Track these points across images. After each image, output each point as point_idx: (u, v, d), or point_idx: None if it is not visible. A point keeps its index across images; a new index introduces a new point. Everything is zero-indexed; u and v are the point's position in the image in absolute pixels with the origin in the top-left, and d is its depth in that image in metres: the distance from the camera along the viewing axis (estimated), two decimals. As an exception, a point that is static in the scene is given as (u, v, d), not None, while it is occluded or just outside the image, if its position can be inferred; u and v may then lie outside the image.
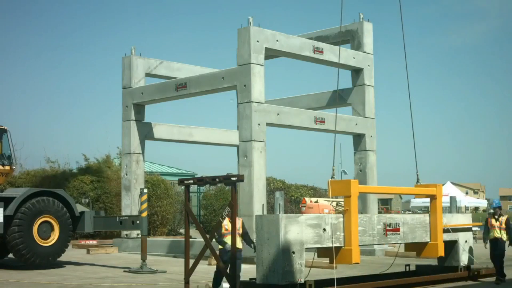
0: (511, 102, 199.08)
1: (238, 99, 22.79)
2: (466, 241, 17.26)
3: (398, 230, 15.16)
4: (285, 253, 12.63)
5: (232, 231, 12.59)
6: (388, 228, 14.91)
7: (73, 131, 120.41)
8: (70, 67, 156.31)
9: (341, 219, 13.83)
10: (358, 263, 13.97)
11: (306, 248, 13.14)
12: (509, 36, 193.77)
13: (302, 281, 12.75)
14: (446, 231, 16.12)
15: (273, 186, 39.67)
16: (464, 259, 16.82)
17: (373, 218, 14.91)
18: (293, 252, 12.80)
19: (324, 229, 13.50)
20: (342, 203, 41.49)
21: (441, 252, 15.98)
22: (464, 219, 17.67)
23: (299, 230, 13.00)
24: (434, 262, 17.66)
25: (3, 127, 19.72)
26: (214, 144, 30.73)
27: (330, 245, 13.53)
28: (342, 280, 14.56)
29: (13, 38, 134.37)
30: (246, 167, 22.17)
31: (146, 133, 27.07)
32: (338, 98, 27.48)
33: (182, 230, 34.32)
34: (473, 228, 37.76)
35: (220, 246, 13.76)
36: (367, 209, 25.91)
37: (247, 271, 18.14)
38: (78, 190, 31.26)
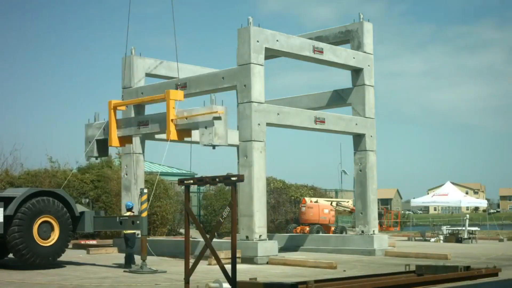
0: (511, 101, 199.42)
1: (238, 99, 22.79)
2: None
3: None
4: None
5: (232, 229, 12.55)
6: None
7: (73, 131, 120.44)
8: (70, 67, 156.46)
9: None
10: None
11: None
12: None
13: None
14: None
15: (273, 186, 39.66)
16: None
17: None
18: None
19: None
20: (342, 203, 41.53)
21: (174, 137, 22.03)
22: None
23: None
24: (434, 263, 17.65)
25: None
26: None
27: None
28: (341, 280, 14.58)
29: (14, 38, 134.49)
30: (246, 167, 22.17)
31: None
32: (338, 98, 27.52)
33: (182, 230, 34.32)
34: (474, 229, 37.96)
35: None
36: (367, 208, 25.93)
37: (247, 271, 18.16)
38: (78, 190, 31.25)
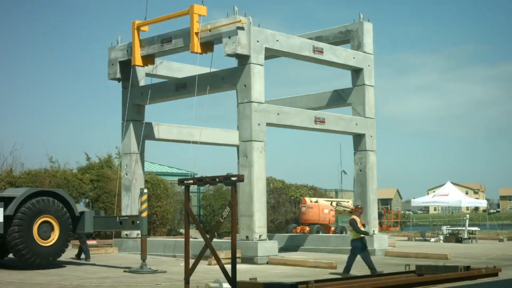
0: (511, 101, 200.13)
1: (238, 99, 22.79)
2: None
3: None
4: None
5: (232, 229, 12.55)
6: None
7: (73, 131, 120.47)
8: (71, 66, 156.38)
9: None
10: None
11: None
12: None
13: None
14: None
15: (273, 186, 39.65)
16: None
17: None
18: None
19: None
20: (342, 203, 41.54)
21: (198, 49, 22.56)
22: None
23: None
24: (434, 263, 17.64)
25: None
26: (214, 144, 30.69)
27: None
28: (342, 280, 14.58)
29: (15, 37, 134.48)
30: (246, 167, 22.16)
31: (146, 133, 27.04)
32: (338, 98, 27.52)
33: (182, 230, 34.32)
34: (474, 229, 38.00)
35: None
36: (367, 208, 25.92)
37: (247, 271, 18.15)
38: (78, 190, 31.24)
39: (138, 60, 24.86)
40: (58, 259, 19.38)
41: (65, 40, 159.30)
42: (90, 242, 28.10)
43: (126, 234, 25.95)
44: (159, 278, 17.03)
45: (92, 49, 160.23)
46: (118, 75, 26.00)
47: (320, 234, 32.34)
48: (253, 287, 13.09)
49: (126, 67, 25.96)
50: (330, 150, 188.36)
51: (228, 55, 22.17)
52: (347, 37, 26.99)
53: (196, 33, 22.58)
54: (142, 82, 27.24)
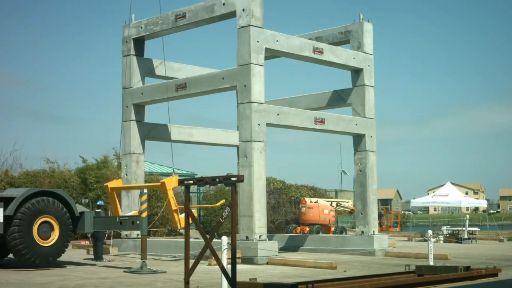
0: (511, 102, 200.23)
1: (238, 100, 22.79)
2: None
3: None
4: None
5: (232, 229, 12.54)
6: None
7: (73, 131, 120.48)
8: (71, 66, 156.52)
9: None
10: None
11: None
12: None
13: None
14: None
15: (273, 186, 39.65)
16: None
17: None
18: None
19: None
20: (342, 203, 41.40)
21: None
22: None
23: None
24: (434, 263, 17.65)
25: None
26: (214, 144, 30.69)
27: None
28: (342, 280, 14.59)
29: (15, 37, 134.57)
30: (246, 167, 22.16)
31: (146, 133, 27.04)
32: (338, 98, 27.52)
33: (182, 231, 34.29)
34: (474, 229, 37.98)
35: None
36: (367, 209, 25.93)
37: (247, 272, 18.16)
38: (78, 190, 31.24)
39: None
40: (58, 259, 19.38)
41: (66, 40, 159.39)
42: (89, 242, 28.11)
43: (126, 234, 25.95)
44: (159, 278, 17.02)
45: (93, 49, 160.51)
46: (132, 52, 26.59)
47: (320, 234, 32.34)
48: (253, 287, 13.10)
49: (140, 44, 26.81)
50: (330, 150, 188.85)
51: (242, 27, 22.43)
52: (347, 38, 27.01)
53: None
54: (142, 83, 27.24)
